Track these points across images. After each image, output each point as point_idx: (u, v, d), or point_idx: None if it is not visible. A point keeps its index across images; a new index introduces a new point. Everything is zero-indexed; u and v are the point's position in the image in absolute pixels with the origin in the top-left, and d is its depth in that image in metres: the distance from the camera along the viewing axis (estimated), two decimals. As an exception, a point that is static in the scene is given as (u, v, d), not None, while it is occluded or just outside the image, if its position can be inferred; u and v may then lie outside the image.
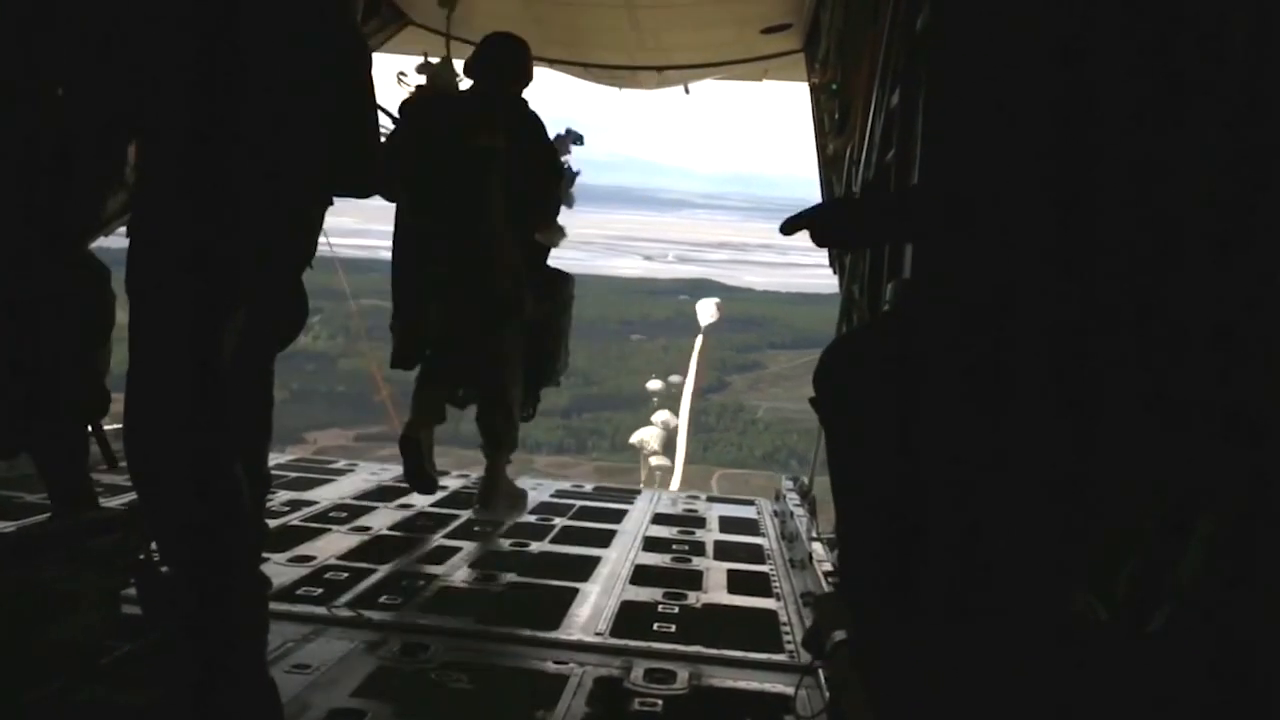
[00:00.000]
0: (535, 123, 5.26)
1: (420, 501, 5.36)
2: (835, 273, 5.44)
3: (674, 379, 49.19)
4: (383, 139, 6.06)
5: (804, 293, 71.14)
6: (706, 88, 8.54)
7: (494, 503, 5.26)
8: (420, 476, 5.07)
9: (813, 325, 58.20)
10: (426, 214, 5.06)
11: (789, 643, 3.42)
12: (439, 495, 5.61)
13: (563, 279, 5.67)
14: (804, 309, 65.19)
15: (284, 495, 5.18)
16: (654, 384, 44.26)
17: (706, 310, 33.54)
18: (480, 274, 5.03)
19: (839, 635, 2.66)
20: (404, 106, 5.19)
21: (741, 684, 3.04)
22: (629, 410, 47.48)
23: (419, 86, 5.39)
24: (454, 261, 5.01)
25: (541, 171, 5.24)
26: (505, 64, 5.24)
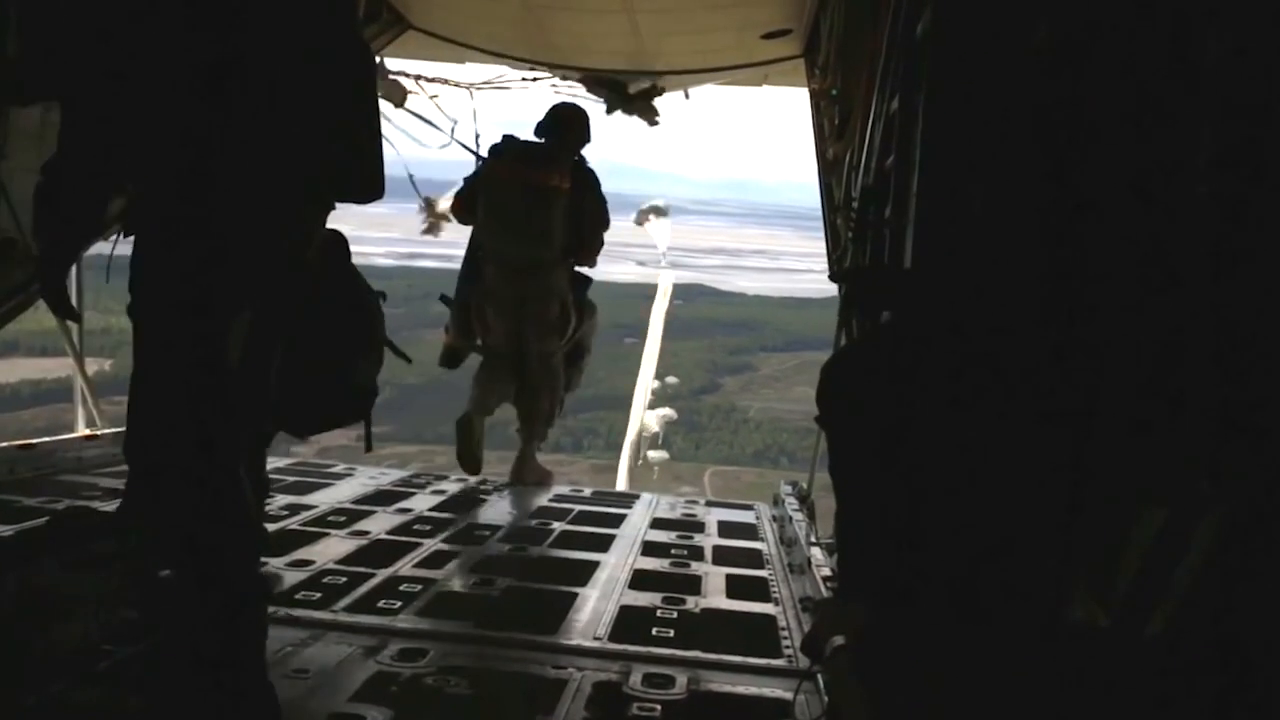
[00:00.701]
0: (593, 178, 6.59)
1: (419, 506, 5.37)
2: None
3: (670, 380, 50.32)
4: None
5: (795, 297, 74.26)
6: (700, 94, 8.55)
7: (524, 479, 6.52)
8: (469, 458, 6.34)
9: (803, 329, 61.25)
10: (501, 239, 6.39)
11: (788, 648, 3.41)
12: (437, 500, 5.61)
13: (591, 308, 6.97)
14: (795, 313, 68.10)
15: (282, 499, 5.17)
16: (652, 383, 45.26)
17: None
18: (544, 296, 6.44)
19: (838, 640, 2.66)
20: (492, 149, 6.59)
21: (740, 689, 3.03)
22: (623, 410, 48.28)
23: (506, 135, 6.70)
24: (522, 283, 6.38)
25: (595, 218, 6.57)
26: (569, 128, 6.54)
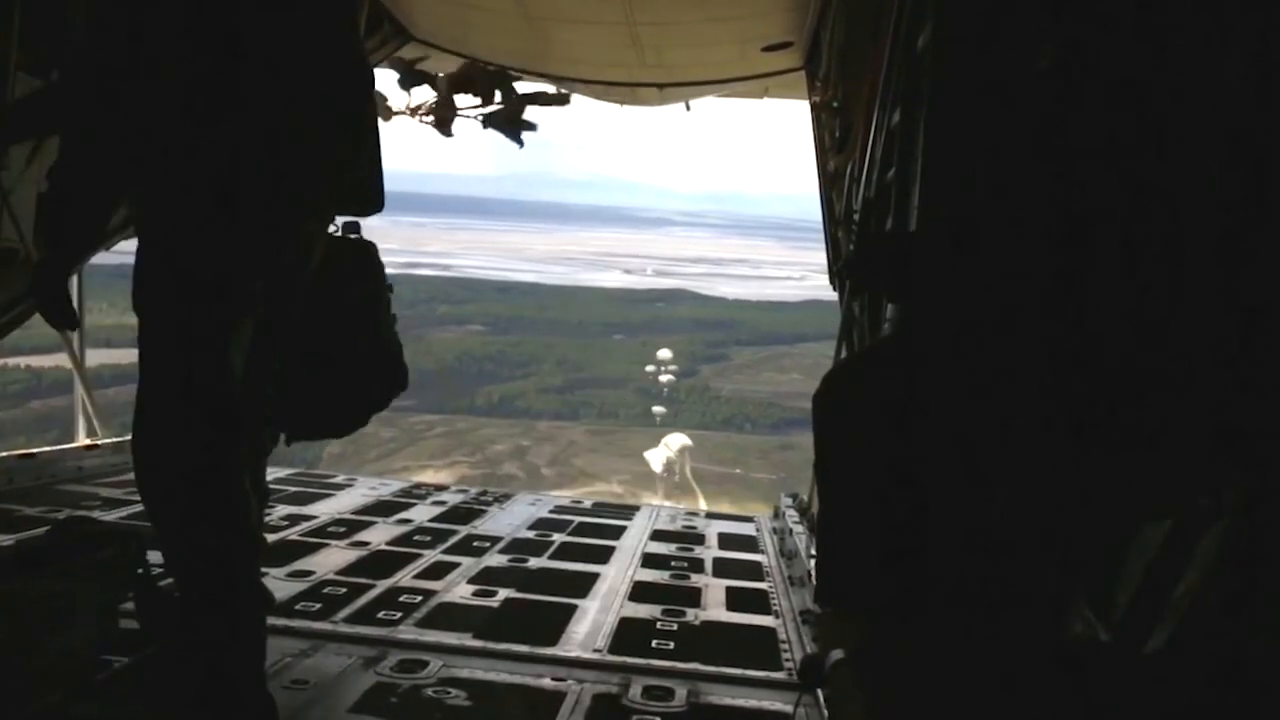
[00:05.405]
0: None
1: (419, 517, 5.37)
2: (835, 289, 5.45)
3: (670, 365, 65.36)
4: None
5: (772, 301, 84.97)
6: (686, 108, 8.58)
7: None
8: None
9: (777, 327, 73.68)
10: None
11: (787, 660, 3.41)
12: (437, 511, 5.61)
13: None
14: (770, 314, 78.95)
15: (282, 510, 5.17)
16: (664, 353, 60.89)
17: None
18: None
19: (837, 654, 2.66)
20: None
21: (740, 701, 3.03)
22: (612, 389, 63.04)
23: None
24: None
25: None
26: None
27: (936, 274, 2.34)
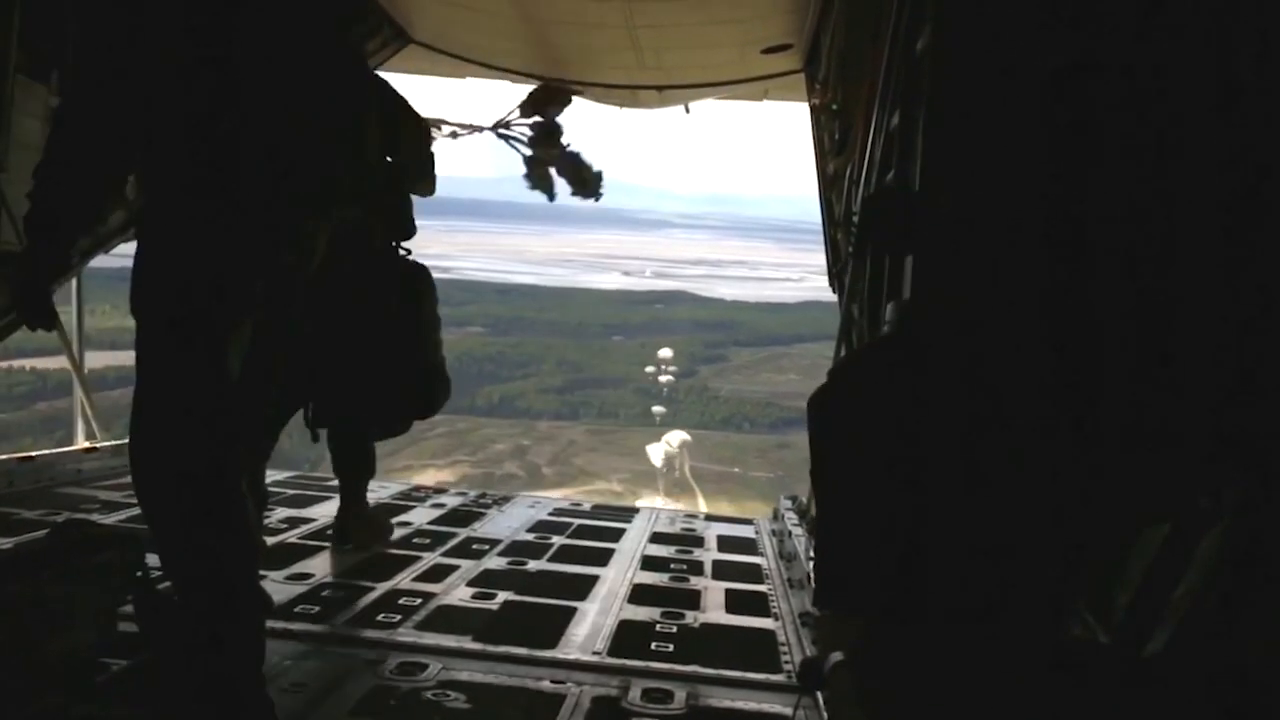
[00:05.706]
0: None
1: (418, 519, 5.36)
2: (834, 290, 5.45)
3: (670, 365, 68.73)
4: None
5: (770, 302, 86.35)
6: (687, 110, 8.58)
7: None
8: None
9: (775, 328, 74.78)
10: None
11: (787, 663, 3.41)
12: (437, 513, 5.61)
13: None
14: (768, 316, 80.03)
15: (282, 512, 5.17)
16: (664, 353, 63.06)
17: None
18: None
19: (836, 656, 2.65)
20: None
21: (739, 704, 3.02)
22: (611, 389, 64.52)
23: None
24: None
25: None
26: None
27: (935, 275, 2.34)
